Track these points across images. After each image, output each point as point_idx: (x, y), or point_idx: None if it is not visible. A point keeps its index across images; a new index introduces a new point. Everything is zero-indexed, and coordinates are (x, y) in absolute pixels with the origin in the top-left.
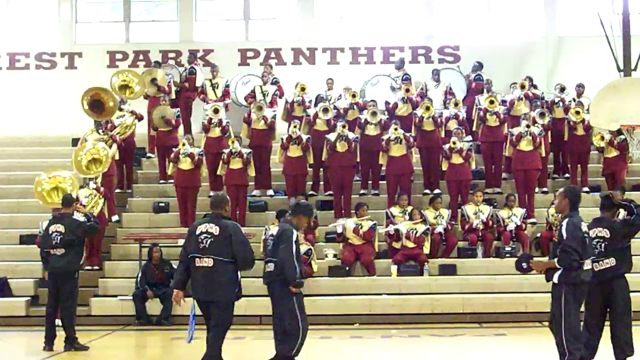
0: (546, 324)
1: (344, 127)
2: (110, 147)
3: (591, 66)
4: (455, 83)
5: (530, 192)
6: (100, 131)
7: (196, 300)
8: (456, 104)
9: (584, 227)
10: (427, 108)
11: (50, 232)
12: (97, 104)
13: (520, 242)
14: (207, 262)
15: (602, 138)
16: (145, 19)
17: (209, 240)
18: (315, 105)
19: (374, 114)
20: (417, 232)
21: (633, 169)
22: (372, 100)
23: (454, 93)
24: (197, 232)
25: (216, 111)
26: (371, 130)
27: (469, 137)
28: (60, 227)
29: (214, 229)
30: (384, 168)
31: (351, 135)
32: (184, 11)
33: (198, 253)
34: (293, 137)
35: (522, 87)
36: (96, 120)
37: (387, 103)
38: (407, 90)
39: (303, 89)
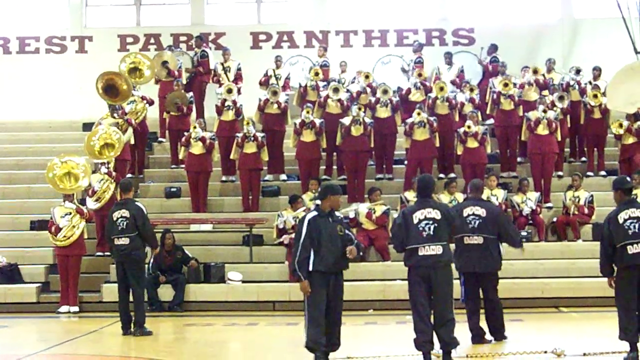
0: (563, 309)
1: (360, 109)
2: (125, 131)
3: (608, 48)
4: (469, 66)
5: (547, 176)
6: (116, 115)
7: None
8: (472, 90)
9: (419, 215)
10: (441, 88)
11: (114, 218)
12: (111, 89)
13: (536, 227)
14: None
15: (621, 125)
16: (157, 2)
17: (477, 221)
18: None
19: (385, 91)
20: None
21: None
22: (382, 84)
23: (464, 77)
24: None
25: (230, 91)
26: (382, 113)
27: (491, 121)
28: (125, 213)
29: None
30: (399, 152)
31: (367, 120)
32: None
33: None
34: (306, 122)
35: (535, 72)
36: (111, 104)
37: (399, 89)
38: (420, 75)
39: (317, 74)
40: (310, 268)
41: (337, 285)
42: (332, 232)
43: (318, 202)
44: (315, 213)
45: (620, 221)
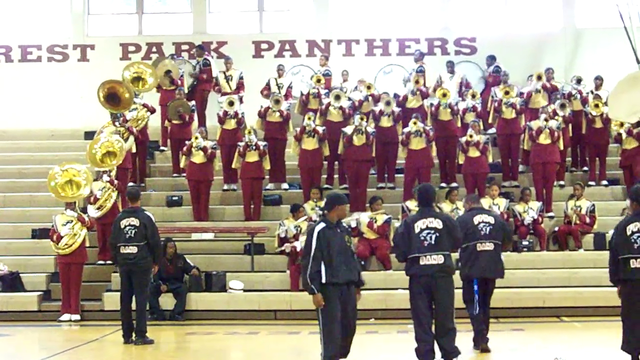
0: (565, 318)
1: (362, 119)
2: (127, 139)
3: (610, 58)
4: (471, 76)
5: (548, 186)
6: (117, 123)
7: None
8: (473, 96)
9: (421, 225)
10: (444, 95)
11: (122, 226)
12: (112, 97)
13: (538, 236)
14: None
15: (622, 124)
16: (158, 11)
17: (488, 228)
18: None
19: (388, 103)
20: None
21: None
22: (384, 93)
23: (470, 84)
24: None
25: (231, 104)
26: (384, 122)
27: (493, 130)
28: (135, 221)
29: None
30: (401, 161)
31: (369, 129)
32: (197, 3)
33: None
34: (307, 129)
35: (539, 77)
36: (112, 113)
37: (396, 96)
38: (417, 82)
39: (319, 81)
40: (323, 280)
41: (349, 295)
42: (341, 243)
43: (320, 212)
44: (323, 224)
45: (628, 233)
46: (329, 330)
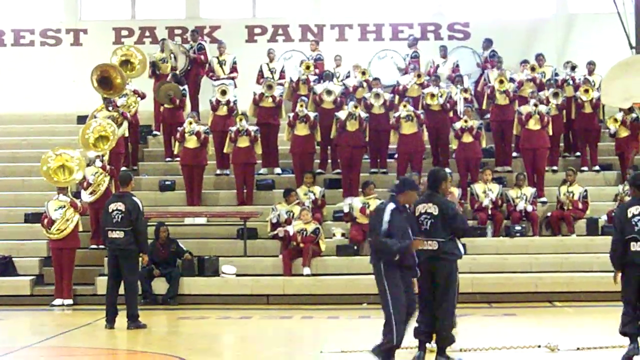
0: (557, 303)
1: (355, 107)
2: (120, 124)
3: (603, 43)
4: (466, 61)
5: (539, 171)
6: (110, 108)
7: None
8: (465, 90)
9: (421, 209)
10: (432, 96)
11: (110, 210)
12: (105, 81)
13: (530, 222)
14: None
15: (616, 120)
16: None
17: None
18: (322, 80)
19: (377, 95)
20: None
21: None
22: (375, 79)
23: (459, 71)
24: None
25: (224, 93)
26: (376, 109)
27: (488, 116)
28: (121, 206)
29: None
30: (393, 147)
31: (362, 115)
32: None
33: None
34: (300, 115)
35: (533, 69)
36: (105, 97)
37: (398, 84)
38: (419, 76)
39: (308, 67)
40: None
41: (406, 280)
42: (406, 227)
43: (312, 197)
44: (394, 205)
45: (629, 215)
46: (400, 313)
